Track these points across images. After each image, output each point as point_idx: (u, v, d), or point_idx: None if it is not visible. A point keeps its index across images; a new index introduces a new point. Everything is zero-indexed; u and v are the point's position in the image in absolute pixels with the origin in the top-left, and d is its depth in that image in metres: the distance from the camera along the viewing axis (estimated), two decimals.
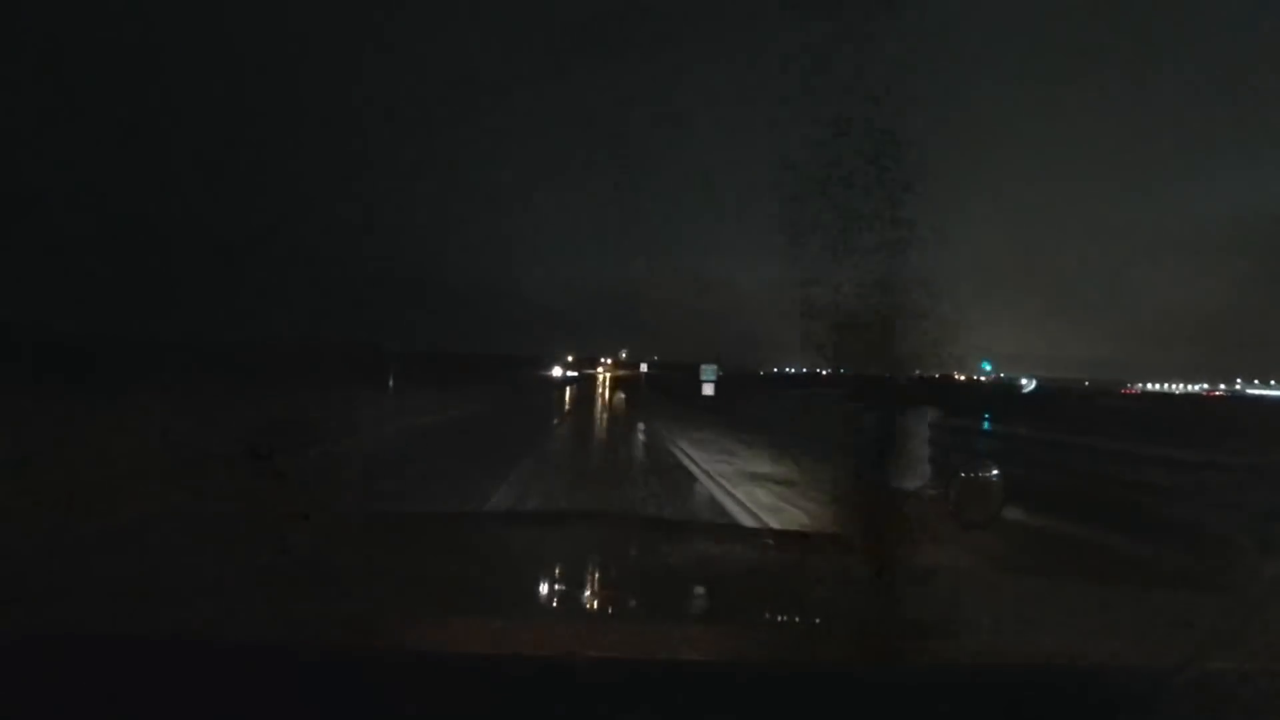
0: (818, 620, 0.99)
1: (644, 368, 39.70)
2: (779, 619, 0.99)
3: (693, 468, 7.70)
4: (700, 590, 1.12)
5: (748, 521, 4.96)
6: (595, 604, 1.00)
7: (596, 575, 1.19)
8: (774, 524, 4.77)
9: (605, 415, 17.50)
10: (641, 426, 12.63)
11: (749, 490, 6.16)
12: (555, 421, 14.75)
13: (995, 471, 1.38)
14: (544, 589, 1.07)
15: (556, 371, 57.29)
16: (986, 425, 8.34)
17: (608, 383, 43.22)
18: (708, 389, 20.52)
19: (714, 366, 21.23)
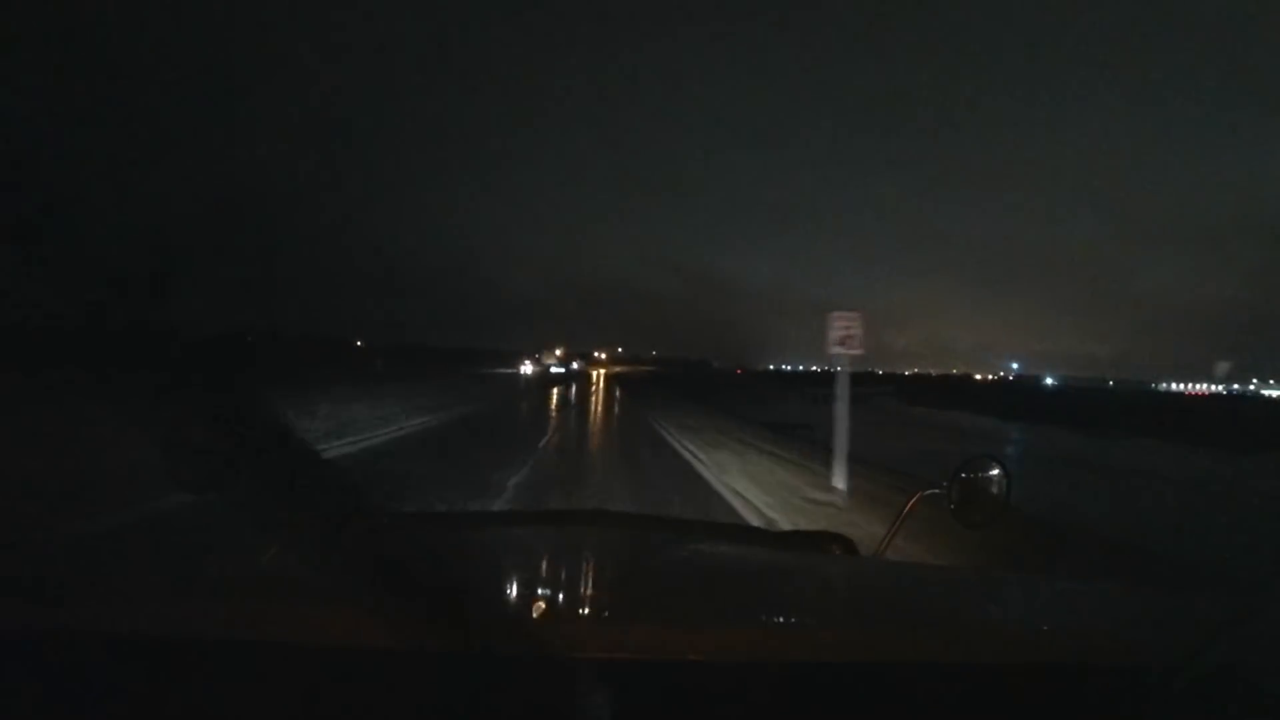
0: (818, 619, 0.97)
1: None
2: (780, 619, 0.96)
3: None
4: (700, 589, 1.07)
5: None
6: (592, 603, 0.97)
7: (594, 575, 1.15)
8: None
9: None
10: None
11: None
12: None
13: (997, 471, 1.26)
14: (542, 588, 1.04)
15: (526, 368, 43.77)
16: None
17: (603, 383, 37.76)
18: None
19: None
